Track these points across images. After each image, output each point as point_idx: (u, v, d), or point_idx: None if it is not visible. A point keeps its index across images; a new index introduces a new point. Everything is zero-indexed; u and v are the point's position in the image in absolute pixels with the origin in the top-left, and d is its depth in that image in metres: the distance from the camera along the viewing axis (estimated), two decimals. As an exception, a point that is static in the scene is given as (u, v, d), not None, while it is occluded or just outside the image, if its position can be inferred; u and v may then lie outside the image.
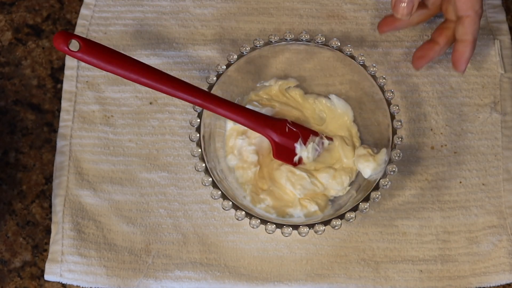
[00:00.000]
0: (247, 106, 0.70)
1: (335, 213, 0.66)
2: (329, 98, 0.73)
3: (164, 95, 0.67)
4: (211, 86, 0.69)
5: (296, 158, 0.70)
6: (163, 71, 0.65)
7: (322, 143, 0.71)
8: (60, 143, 0.73)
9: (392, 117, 0.68)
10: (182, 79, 0.66)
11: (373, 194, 0.65)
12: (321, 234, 0.66)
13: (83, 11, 0.77)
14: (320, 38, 0.70)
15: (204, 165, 0.66)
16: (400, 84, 0.74)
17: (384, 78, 0.69)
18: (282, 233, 0.65)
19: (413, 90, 0.74)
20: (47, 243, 0.71)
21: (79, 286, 0.69)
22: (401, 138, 0.67)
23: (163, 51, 0.75)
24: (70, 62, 0.75)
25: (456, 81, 0.74)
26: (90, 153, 0.73)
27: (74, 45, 0.62)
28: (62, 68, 0.76)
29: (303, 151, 0.70)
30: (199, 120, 0.68)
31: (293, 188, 0.69)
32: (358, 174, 0.70)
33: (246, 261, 0.70)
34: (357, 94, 0.72)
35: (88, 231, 0.70)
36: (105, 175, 0.72)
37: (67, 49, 0.62)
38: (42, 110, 0.75)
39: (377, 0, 0.77)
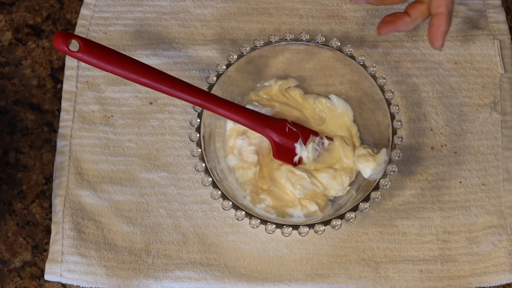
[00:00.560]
0: (247, 106, 0.70)
1: (335, 213, 0.66)
2: (329, 98, 0.73)
3: (164, 95, 0.67)
4: (211, 86, 0.69)
5: (296, 158, 0.70)
6: (163, 71, 0.65)
7: (322, 143, 0.71)
8: (60, 143, 0.73)
9: (392, 117, 0.68)
10: (182, 79, 0.66)
11: (373, 194, 0.65)
12: (321, 234, 0.66)
13: (83, 11, 0.77)
14: (320, 38, 0.70)
15: (204, 165, 0.66)
16: (400, 84, 0.74)
17: (384, 78, 0.69)
18: (282, 233, 0.65)
19: (413, 90, 0.74)
20: (47, 243, 0.71)
21: (79, 286, 0.69)
22: (401, 138, 0.67)
23: (163, 51, 0.75)
24: (70, 62, 0.75)
25: (456, 81, 0.74)
26: (90, 153, 0.72)
27: (74, 45, 0.62)
28: (62, 68, 0.76)
29: (303, 151, 0.70)
30: (199, 120, 0.68)
31: (293, 188, 0.69)
32: (358, 174, 0.70)
33: (246, 261, 0.70)
34: (357, 94, 0.72)
35: (88, 231, 0.70)
36: (105, 175, 0.72)
37: (67, 49, 0.62)
38: (42, 110, 0.75)
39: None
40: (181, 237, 0.70)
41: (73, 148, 0.72)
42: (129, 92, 0.74)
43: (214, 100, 0.67)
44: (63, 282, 0.69)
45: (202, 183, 0.66)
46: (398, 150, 0.67)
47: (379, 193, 0.66)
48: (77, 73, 0.75)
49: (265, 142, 0.71)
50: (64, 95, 0.74)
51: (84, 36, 0.76)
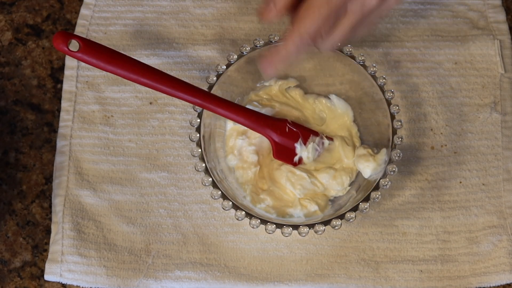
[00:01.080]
0: (247, 106, 0.70)
1: (335, 213, 0.66)
2: (329, 98, 0.73)
3: (164, 95, 0.67)
4: (211, 86, 0.69)
5: (296, 158, 0.70)
6: (163, 71, 0.65)
7: (322, 143, 0.71)
8: (60, 143, 0.73)
9: (392, 117, 0.68)
10: (182, 79, 0.66)
11: (373, 194, 0.65)
12: (321, 234, 0.66)
13: (83, 11, 0.77)
14: (320, 38, 0.70)
15: (204, 165, 0.66)
16: (400, 84, 0.74)
17: (384, 78, 0.69)
18: (282, 233, 0.65)
19: (413, 90, 0.74)
20: (47, 243, 0.71)
21: (79, 286, 0.69)
22: (401, 138, 0.67)
23: (163, 51, 0.75)
24: (70, 62, 0.75)
25: (456, 81, 0.74)
26: (90, 153, 0.72)
27: (74, 45, 0.62)
28: (62, 68, 0.76)
29: (303, 151, 0.70)
30: (199, 120, 0.68)
31: (293, 188, 0.69)
32: (358, 174, 0.70)
33: (246, 261, 0.70)
34: (357, 94, 0.72)
35: (88, 231, 0.70)
36: (105, 175, 0.72)
37: (67, 49, 0.62)
38: (42, 110, 0.75)
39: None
40: (181, 237, 0.70)
41: (73, 148, 0.72)
42: (129, 92, 0.74)
43: (214, 100, 0.67)
44: (63, 282, 0.69)
45: (202, 183, 0.66)
46: (398, 150, 0.67)
47: (379, 193, 0.66)
48: (77, 73, 0.75)
49: (265, 142, 0.71)
50: (64, 95, 0.74)
51: (84, 36, 0.76)
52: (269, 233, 0.65)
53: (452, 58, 0.75)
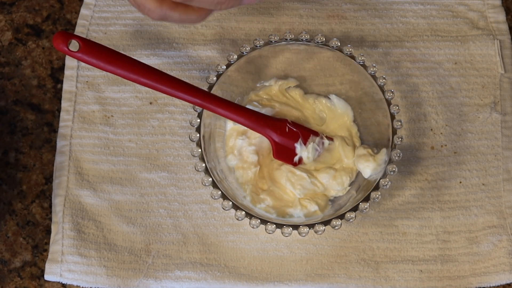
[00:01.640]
0: (247, 106, 0.70)
1: (335, 213, 0.66)
2: (329, 98, 0.73)
3: (164, 95, 0.67)
4: (211, 86, 0.69)
5: (296, 158, 0.70)
6: (163, 71, 0.65)
7: (322, 143, 0.71)
8: (60, 143, 0.73)
9: (392, 117, 0.68)
10: (182, 79, 0.66)
11: (373, 194, 0.65)
12: (321, 234, 0.66)
13: (83, 11, 0.77)
14: (320, 38, 0.70)
15: (204, 165, 0.66)
16: (400, 84, 0.74)
17: (384, 78, 0.69)
18: (282, 233, 0.65)
19: (413, 90, 0.74)
20: (47, 243, 0.71)
21: (79, 286, 0.69)
22: (401, 138, 0.67)
23: (163, 51, 0.75)
24: (70, 62, 0.75)
25: (456, 81, 0.74)
26: (90, 153, 0.73)
27: (74, 45, 0.62)
28: (62, 68, 0.76)
29: (303, 151, 0.70)
30: (199, 120, 0.68)
31: (293, 188, 0.69)
32: (358, 174, 0.70)
33: (246, 261, 0.70)
34: (357, 94, 0.72)
35: (88, 231, 0.70)
36: (105, 175, 0.72)
37: (67, 49, 0.62)
38: (42, 110, 0.75)
39: (377, 0, 0.77)
40: (181, 237, 0.70)
41: (73, 148, 0.72)
42: (129, 92, 0.74)
43: (214, 100, 0.67)
44: (63, 282, 0.69)
45: (202, 183, 0.66)
46: (398, 150, 0.67)
47: (379, 193, 0.66)
48: (77, 73, 0.75)
49: (265, 142, 0.71)
50: (64, 95, 0.74)
51: (84, 36, 0.76)
52: (269, 233, 0.65)
53: (452, 58, 0.75)
